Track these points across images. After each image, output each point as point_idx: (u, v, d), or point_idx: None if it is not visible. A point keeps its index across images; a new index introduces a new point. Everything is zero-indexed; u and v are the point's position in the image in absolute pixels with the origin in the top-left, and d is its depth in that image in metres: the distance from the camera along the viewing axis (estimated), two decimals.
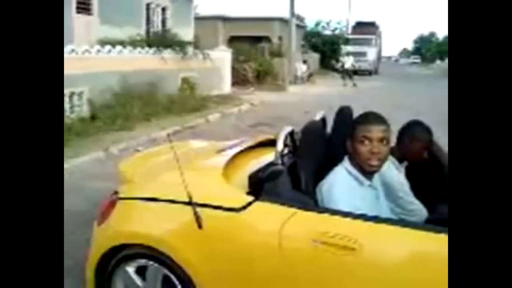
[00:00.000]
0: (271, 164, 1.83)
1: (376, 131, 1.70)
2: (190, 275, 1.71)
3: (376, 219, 1.57)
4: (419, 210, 2.08)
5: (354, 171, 1.76)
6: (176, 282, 1.77)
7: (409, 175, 2.14)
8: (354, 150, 1.73)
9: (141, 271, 1.88)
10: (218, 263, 1.69)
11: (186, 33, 12.43)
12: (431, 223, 1.89)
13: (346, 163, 1.79)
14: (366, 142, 1.69)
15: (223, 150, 2.37)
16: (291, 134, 2.00)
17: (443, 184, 2.22)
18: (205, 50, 11.42)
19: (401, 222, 1.68)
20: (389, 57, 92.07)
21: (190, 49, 10.72)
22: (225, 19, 20.75)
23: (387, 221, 1.58)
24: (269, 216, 1.65)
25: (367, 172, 1.75)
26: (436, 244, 1.45)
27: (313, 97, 13.54)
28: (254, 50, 17.83)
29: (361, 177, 1.76)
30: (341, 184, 1.72)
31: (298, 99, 13.61)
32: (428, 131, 2.15)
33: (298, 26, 22.95)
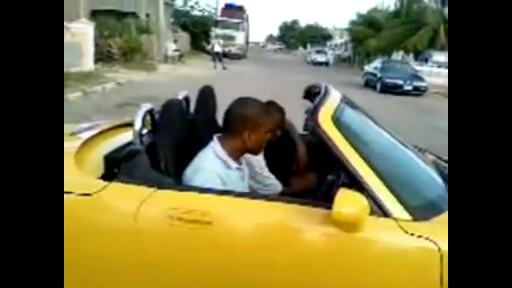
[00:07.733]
0: (128, 144, 1.76)
1: None
2: None
3: (231, 193, 1.62)
4: (274, 185, 2.26)
5: (224, 155, 1.72)
6: None
7: (265, 152, 2.28)
8: (257, 139, 1.74)
9: None
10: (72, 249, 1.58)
11: None
12: (285, 196, 2.07)
13: (215, 146, 1.74)
14: (272, 131, 1.83)
15: (77, 132, 2.19)
16: (151, 112, 1.94)
17: (294, 160, 2.45)
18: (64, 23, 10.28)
19: (256, 195, 1.79)
20: (257, 43, 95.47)
21: None
22: None
23: (242, 195, 1.64)
24: (125, 198, 1.59)
25: (240, 156, 1.80)
26: (288, 214, 1.55)
27: (186, 78, 13.25)
28: (120, 25, 16.72)
29: (229, 161, 1.74)
30: (206, 169, 1.67)
31: (169, 79, 13.26)
32: (281, 110, 2.32)
33: (166, 3, 22.27)
